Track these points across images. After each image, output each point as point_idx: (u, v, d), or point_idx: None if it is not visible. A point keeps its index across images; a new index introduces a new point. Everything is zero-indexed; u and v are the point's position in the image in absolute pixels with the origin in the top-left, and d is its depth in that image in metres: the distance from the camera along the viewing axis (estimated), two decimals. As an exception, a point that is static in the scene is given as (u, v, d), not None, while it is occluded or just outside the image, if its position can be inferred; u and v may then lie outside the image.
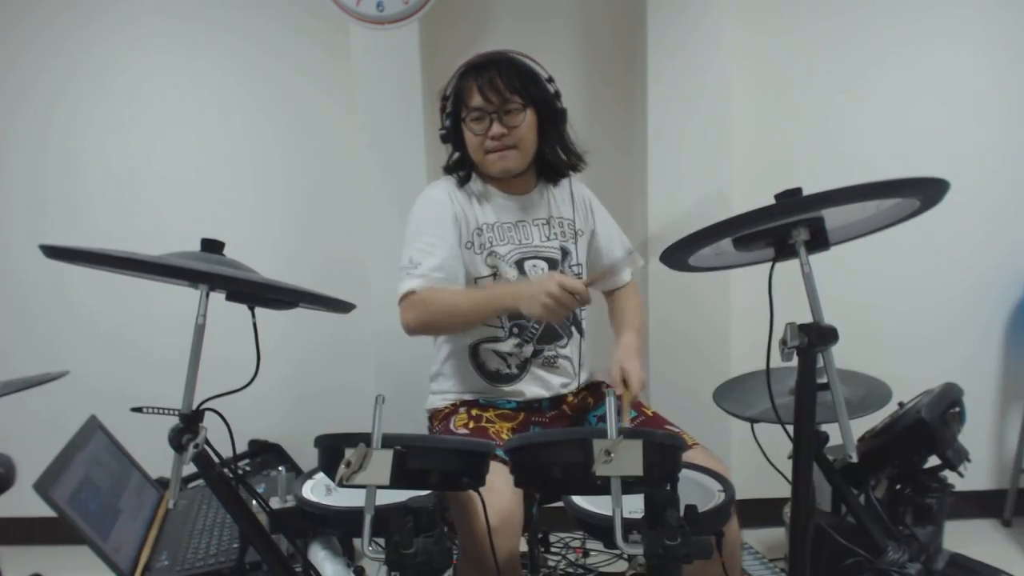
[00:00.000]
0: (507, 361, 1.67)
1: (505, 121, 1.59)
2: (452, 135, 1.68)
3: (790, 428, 1.25)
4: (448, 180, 1.71)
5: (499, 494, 1.32)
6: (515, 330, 1.65)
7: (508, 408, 1.67)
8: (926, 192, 1.19)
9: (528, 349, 1.66)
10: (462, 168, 1.70)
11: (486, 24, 2.36)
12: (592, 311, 1.80)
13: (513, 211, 1.70)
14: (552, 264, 1.69)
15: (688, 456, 1.48)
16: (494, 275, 1.65)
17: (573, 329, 1.72)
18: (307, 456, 1.43)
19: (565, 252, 1.72)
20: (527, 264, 1.67)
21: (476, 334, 1.66)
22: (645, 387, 1.62)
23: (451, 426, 1.60)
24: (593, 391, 1.77)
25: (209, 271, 1.13)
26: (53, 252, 1.09)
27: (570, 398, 1.73)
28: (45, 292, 2.52)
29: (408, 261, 1.57)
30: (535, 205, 1.73)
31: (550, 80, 1.66)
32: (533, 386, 1.67)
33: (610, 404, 1.05)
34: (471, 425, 1.59)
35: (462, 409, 1.65)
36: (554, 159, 1.70)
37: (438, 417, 1.71)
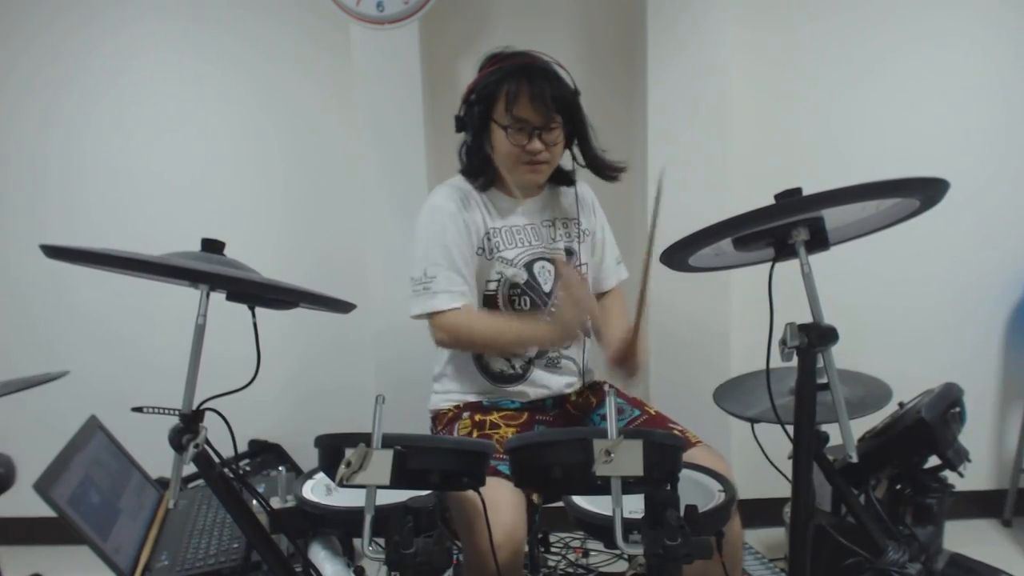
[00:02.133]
0: (511, 361, 1.67)
1: (545, 138, 1.57)
2: (476, 129, 1.62)
3: (790, 428, 1.25)
4: (453, 186, 1.67)
5: (503, 511, 1.32)
6: None
7: (512, 408, 1.67)
8: (926, 192, 1.19)
9: (533, 349, 1.66)
10: (484, 171, 1.64)
11: (486, 24, 2.36)
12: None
13: (521, 214, 1.69)
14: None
15: (690, 454, 1.48)
16: (499, 281, 1.64)
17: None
18: (307, 456, 1.43)
19: (570, 252, 1.71)
20: (536, 266, 1.66)
21: None
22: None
23: (455, 433, 1.60)
24: (595, 391, 1.77)
25: (210, 271, 1.13)
26: (53, 252, 1.09)
27: (573, 397, 1.73)
28: (45, 292, 2.53)
29: (423, 274, 1.56)
30: (543, 207, 1.72)
31: (577, 93, 1.62)
32: (537, 387, 1.67)
33: (610, 404, 1.05)
34: (475, 434, 1.58)
35: (466, 414, 1.64)
36: (593, 170, 1.69)
37: (441, 420, 1.70)
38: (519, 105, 1.54)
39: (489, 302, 1.65)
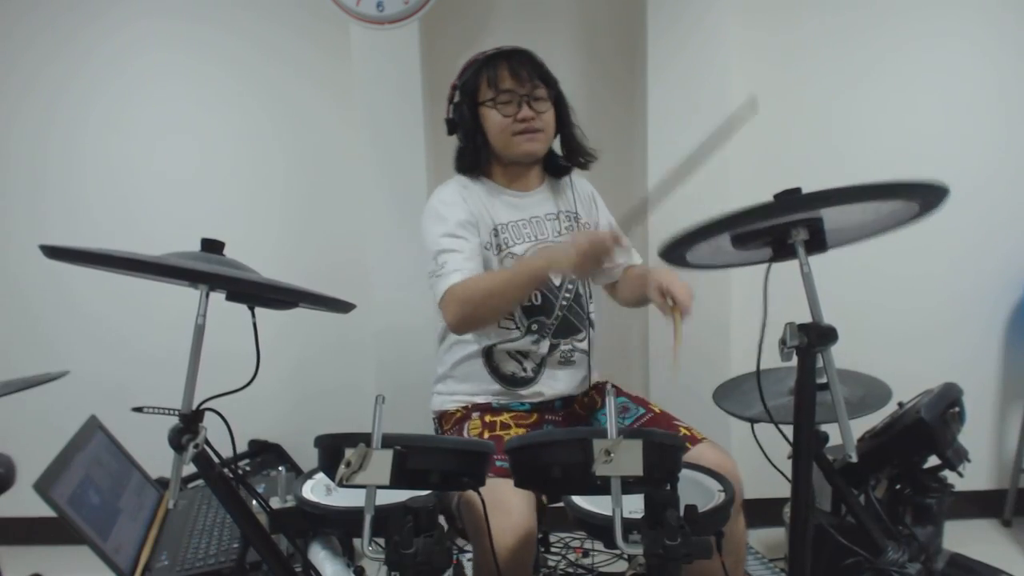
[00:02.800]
0: (523, 364, 1.66)
1: (534, 106, 1.62)
2: (467, 125, 1.66)
3: (786, 428, 1.25)
4: (457, 183, 1.69)
5: (517, 513, 1.32)
6: (533, 327, 1.65)
7: (522, 410, 1.66)
8: (925, 196, 1.19)
9: (544, 345, 1.65)
10: (476, 161, 1.68)
11: (486, 24, 2.36)
12: (597, 310, 1.80)
13: (524, 208, 1.70)
14: None
15: (697, 451, 1.49)
16: None
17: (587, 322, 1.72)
18: (307, 456, 1.43)
19: None
20: None
21: (490, 336, 1.65)
22: (693, 295, 1.53)
23: (464, 433, 1.59)
24: (600, 391, 1.77)
25: (209, 271, 1.13)
26: (53, 252, 1.09)
27: (580, 396, 1.72)
28: (45, 292, 2.52)
29: (435, 264, 1.56)
30: (544, 201, 1.73)
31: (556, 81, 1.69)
32: (549, 389, 1.67)
33: (610, 403, 1.05)
34: (486, 435, 1.57)
35: (475, 414, 1.63)
36: (566, 153, 1.73)
37: (448, 420, 1.69)
38: (501, 78, 1.61)
39: None
